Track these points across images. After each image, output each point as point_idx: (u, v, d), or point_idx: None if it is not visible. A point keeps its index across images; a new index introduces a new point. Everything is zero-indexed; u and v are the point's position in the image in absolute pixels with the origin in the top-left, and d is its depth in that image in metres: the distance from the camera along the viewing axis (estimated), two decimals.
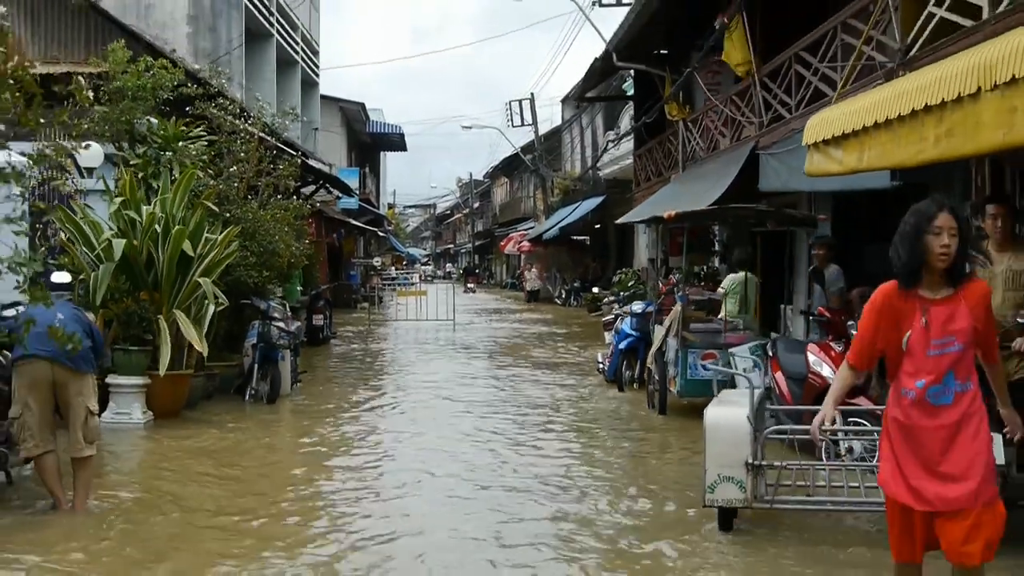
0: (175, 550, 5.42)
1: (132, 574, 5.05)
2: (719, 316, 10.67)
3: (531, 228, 43.66)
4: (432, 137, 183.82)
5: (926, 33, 8.27)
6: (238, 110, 11.79)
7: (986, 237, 6.35)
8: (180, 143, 10.67)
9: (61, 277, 6.98)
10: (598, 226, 32.30)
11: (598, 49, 23.54)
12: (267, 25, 24.72)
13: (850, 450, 6.62)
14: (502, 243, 50.00)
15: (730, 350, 9.14)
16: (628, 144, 24.30)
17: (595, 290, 25.17)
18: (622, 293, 18.14)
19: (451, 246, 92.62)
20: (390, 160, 60.31)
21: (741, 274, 11.04)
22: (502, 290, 51.74)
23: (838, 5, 10.76)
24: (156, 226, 9.07)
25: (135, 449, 8.24)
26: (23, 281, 4.87)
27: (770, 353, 8.33)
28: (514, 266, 53.67)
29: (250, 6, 22.89)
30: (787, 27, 12.41)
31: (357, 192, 32.43)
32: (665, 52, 18.65)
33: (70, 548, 5.40)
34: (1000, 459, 4.80)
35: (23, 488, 6.60)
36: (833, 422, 4.23)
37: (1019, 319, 5.79)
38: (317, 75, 31.64)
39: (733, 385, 8.28)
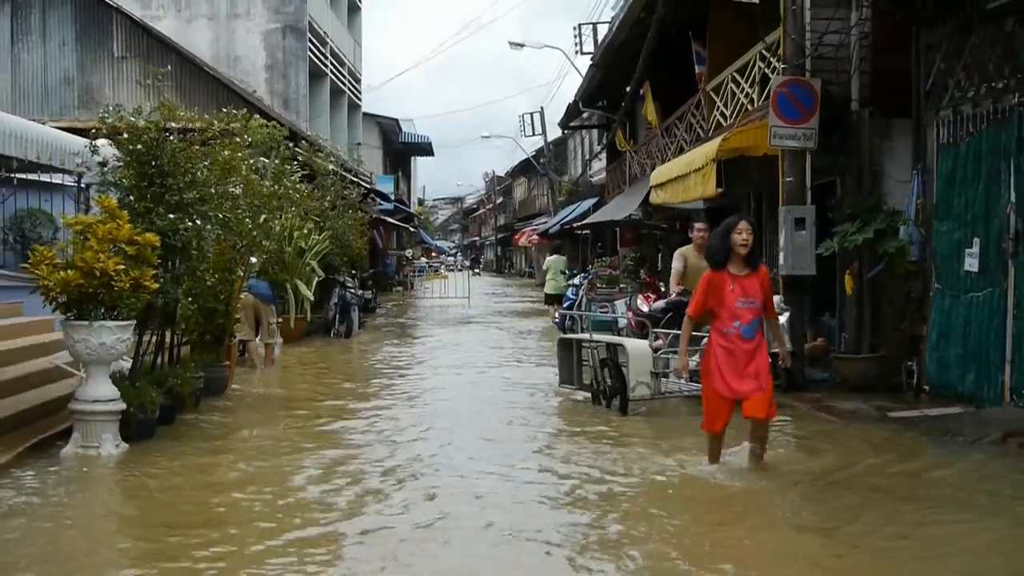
0: (311, 381, 12.25)
1: (299, 384, 11.83)
2: (620, 285, 17.37)
3: (544, 223, 50.30)
4: (465, 130, 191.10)
5: (713, 124, 14.86)
6: (330, 159, 18.67)
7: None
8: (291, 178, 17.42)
9: (255, 259, 13.77)
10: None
11: None
12: (323, 67, 31.48)
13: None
14: (516, 236, 56.70)
15: (614, 302, 15.84)
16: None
17: (563, 272, 31.67)
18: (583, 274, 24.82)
19: (477, 238, 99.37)
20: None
21: (555, 256, 20.23)
22: (520, 277, 58.74)
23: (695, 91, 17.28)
24: (285, 232, 15.87)
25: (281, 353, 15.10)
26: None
27: (628, 303, 15.01)
28: (530, 257, 60.44)
29: (311, 56, 29.66)
30: (680, 95, 18.95)
31: (392, 195, 39.41)
32: (621, 93, 25.22)
33: (268, 379, 12.25)
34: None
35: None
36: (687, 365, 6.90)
37: None
38: (360, 100, 38.54)
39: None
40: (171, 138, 7.91)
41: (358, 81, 38.45)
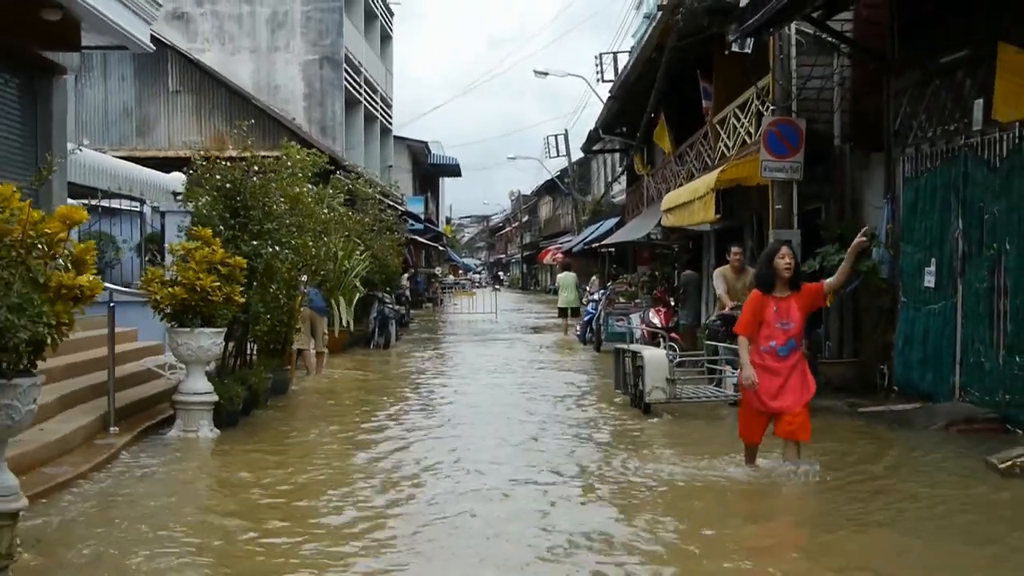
0: (359, 385, 13.83)
1: (349, 387, 13.43)
2: (635, 300, 18.88)
3: (569, 241, 51.92)
4: (492, 149, 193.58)
5: (718, 154, 16.37)
6: (369, 186, 20.42)
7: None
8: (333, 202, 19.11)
9: (306, 277, 15.41)
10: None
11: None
12: (357, 95, 33.32)
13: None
14: (541, 254, 58.34)
15: (629, 315, 17.34)
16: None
17: (578, 287, 32.88)
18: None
19: (503, 256, 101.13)
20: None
21: (566, 273, 21.56)
22: (544, 294, 60.30)
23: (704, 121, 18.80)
24: (332, 253, 17.53)
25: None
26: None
27: (642, 316, 16.52)
28: (555, 275, 62.06)
29: (347, 85, 31.48)
30: (691, 124, 20.48)
31: (422, 214, 41.23)
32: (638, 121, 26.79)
33: (321, 383, 13.86)
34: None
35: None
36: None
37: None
38: (391, 124, 40.44)
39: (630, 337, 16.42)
40: (254, 178, 9.55)
41: (390, 106, 40.36)
